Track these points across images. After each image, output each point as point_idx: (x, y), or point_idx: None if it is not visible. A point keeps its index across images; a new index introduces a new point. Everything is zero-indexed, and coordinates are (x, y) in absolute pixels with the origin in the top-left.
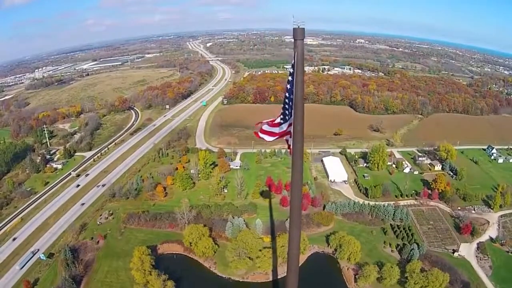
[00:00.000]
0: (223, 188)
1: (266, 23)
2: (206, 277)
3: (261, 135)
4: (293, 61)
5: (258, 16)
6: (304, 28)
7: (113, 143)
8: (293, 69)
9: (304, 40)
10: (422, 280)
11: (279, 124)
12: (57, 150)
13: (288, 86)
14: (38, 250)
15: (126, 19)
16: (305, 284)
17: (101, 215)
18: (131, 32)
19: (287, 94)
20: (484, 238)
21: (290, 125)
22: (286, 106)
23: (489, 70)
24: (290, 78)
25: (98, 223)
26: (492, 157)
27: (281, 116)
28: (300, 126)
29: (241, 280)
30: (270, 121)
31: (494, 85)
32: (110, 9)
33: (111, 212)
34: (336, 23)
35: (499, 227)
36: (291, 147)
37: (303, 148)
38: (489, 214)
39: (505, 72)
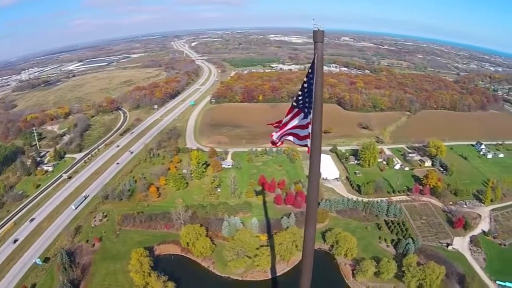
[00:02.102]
0: (217, 187)
1: (251, 22)
2: (206, 277)
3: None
4: (312, 62)
5: (243, 15)
6: (323, 31)
7: (103, 144)
8: (312, 70)
9: (290, 38)
10: (419, 273)
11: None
12: (47, 152)
13: (306, 90)
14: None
15: (111, 19)
16: None
17: (95, 217)
18: (116, 32)
19: (302, 94)
20: (476, 231)
21: (308, 124)
22: (306, 105)
23: (475, 66)
24: (306, 78)
25: (92, 225)
26: (481, 153)
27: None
28: (319, 126)
29: (240, 279)
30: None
31: (481, 82)
32: (95, 9)
33: (105, 214)
34: (320, 20)
35: (491, 221)
36: (309, 146)
37: (321, 147)
38: (481, 208)
39: (491, 68)
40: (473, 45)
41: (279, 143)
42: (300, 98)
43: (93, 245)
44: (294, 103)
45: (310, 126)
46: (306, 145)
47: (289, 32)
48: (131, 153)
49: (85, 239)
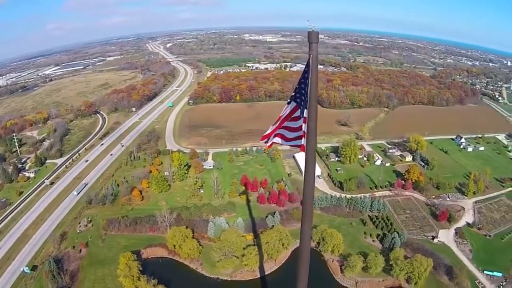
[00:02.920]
0: (199, 188)
1: (225, 22)
2: (195, 278)
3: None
4: (307, 62)
5: (218, 16)
6: (318, 32)
7: (84, 148)
8: (308, 70)
9: (264, 37)
10: (407, 267)
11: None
12: (28, 158)
13: (301, 89)
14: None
15: (86, 22)
16: (293, 278)
17: (79, 223)
18: (90, 35)
19: (301, 93)
20: (461, 223)
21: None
22: (302, 103)
23: (452, 61)
24: (301, 79)
25: (78, 231)
26: (462, 146)
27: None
28: (313, 124)
29: (229, 279)
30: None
31: (458, 76)
32: (70, 13)
33: (89, 219)
34: (294, 19)
35: (474, 213)
36: (303, 144)
37: (316, 146)
38: (464, 201)
39: (468, 63)
40: (450, 40)
41: (270, 143)
42: (297, 95)
43: (80, 251)
44: (289, 100)
45: (304, 125)
46: (297, 145)
47: (263, 31)
48: (111, 155)
49: (72, 245)
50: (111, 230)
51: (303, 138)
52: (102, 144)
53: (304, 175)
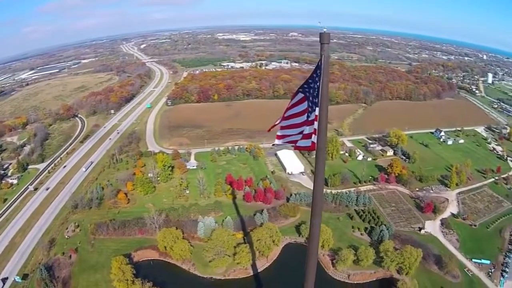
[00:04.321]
0: (185, 189)
1: (198, 22)
2: (188, 279)
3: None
4: (319, 62)
5: (191, 15)
6: (329, 33)
7: (65, 152)
8: (319, 70)
9: (238, 36)
10: (398, 257)
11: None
12: (10, 164)
13: (312, 88)
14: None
15: (61, 25)
16: (285, 274)
17: (67, 228)
18: (64, 38)
19: (309, 87)
20: (446, 214)
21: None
22: (315, 100)
23: (426, 56)
24: (310, 79)
25: (66, 237)
26: (442, 140)
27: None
28: (324, 124)
29: (223, 278)
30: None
31: (434, 71)
32: (45, 15)
33: (77, 224)
34: (267, 17)
35: (458, 204)
36: (314, 142)
37: (326, 144)
38: (447, 192)
39: (443, 57)
40: (424, 35)
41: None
42: (306, 89)
43: (70, 257)
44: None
45: (316, 122)
46: (306, 146)
47: (236, 30)
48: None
49: (61, 251)
50: (99, 234)
51: (313, 135)
52: (82, 149)
53: (315, 173)
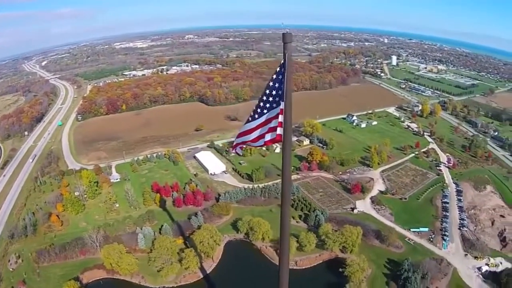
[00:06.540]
0: (114, 203)
1: (95, 33)
2: None
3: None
4: (283, 61)
5: (88, 27)
6: (291, 33)
7: None
8: (283, 68)
9: (135, 44)
10: (339, 238)
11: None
12: None
13: (277, 84)
14: None
15: None
16: (233, 270)
17: (9, 260)
18: None
19: (269, 90)
20: (374, 192)
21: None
22: (277, 98)
23: (325, 45)
24: (274, 76)
25: (10, 269)
26: (355, 124)
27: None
28: (289, 117)
29: (176, 286)
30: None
31: (336, 59)
32: None
33: (17, 254)
34: (161, 22)
35: (384, 181)
36: (281, 134)
37: (291, 140)
38: (371, 172)
39: (343, 44)
40: (321, 25)
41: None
42: (273, 92)
43: None
44: (264, 99)
45: (281, 116)
46: (272, 140)
47: (133, 38)
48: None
49: (10, 285)
50: (42, 262)
51: (278, 128)
52: (4, 175)
53: (282, 163)
